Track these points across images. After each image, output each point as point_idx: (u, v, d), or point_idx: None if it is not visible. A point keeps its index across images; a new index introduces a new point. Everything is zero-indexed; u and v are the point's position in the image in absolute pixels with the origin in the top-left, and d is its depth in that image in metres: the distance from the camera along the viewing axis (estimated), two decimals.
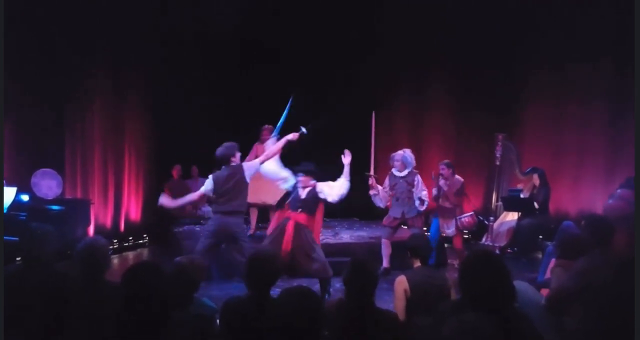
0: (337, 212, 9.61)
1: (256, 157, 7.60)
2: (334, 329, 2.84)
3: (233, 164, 5.67)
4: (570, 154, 8.57)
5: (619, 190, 5.99)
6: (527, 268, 6.92)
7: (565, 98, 8.56)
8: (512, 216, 8.18)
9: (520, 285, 3.53)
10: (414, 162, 7.10)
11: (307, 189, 5.89)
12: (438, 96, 9.69)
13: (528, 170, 8.14)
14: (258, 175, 7.44)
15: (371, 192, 7.16)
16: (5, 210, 6.12)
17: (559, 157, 8.65)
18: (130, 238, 8.80)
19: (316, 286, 6.34)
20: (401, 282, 3.79)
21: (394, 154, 7.17)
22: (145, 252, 8.83)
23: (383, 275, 6.66)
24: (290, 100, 6.74)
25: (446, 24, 9.09)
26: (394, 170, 7.13)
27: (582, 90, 8.35)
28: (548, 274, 4.38)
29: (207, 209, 9.67)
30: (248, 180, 5.68)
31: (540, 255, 7.39)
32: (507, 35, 8.68)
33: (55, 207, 6.84)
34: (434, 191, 7.32)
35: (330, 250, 7.39)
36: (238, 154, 5.75)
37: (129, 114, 8.79)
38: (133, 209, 9.09)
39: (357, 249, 7.46)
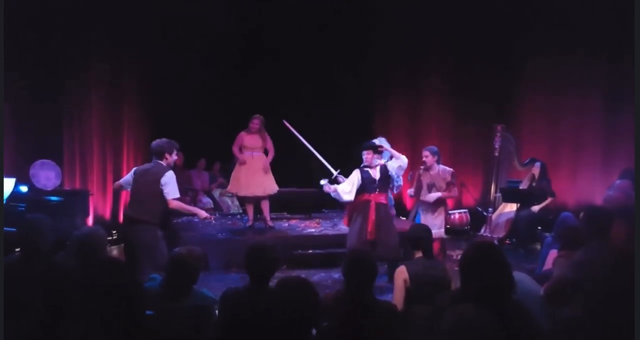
0: (336, 202, 9.64)
1: (241, 147, 7.58)
2: (333, 321, 2.84)
3: (163, 163, 5.06)
4: (568, 144, 8.56)
5: (617, 181, 5.99)
6: (525, 259, 6.94)
7: (562, 88, 8.54)
8: (511, 207, 8.19)
9: (519, 276, 3.54)
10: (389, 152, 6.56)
11: (377, 168, 6.02)
12: (434, 88, 9.66)
13: (527, 161, 8.14)
14: (250, 168, 7.43)
15: (326, 188, 6.26)
16: (4, 201, 6.11)
17: (556, 148, 8.65)
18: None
19: (314, 277, 6.39)
20: (401, 272, 3.80)
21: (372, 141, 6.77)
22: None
23: None
24: (289, 126, 6.71)
25: (442, 14, 9.04)
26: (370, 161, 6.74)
27: (579, 80, 8.33)
28: (547, 265, 4.39)
29: (207, 200, 9.70)
30: (164, 190, 4.92)
31: (538, 247, 7.41)
32: (503, 25, 8.63)
33: (54, 198, 6.83)
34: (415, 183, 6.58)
35: (330, 241, 7.42)
36: (174, 156, 5.16)
37: (127, 103, 8.75)
38: None
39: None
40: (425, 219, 6.26)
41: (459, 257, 7.63)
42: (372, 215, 5.93)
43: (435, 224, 6.17)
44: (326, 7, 9.62)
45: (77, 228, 6.40)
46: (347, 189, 6.10)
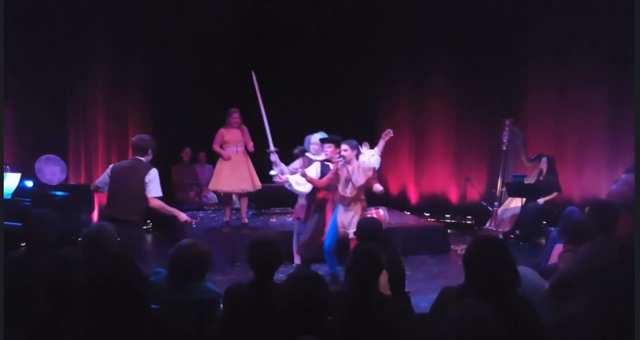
0: None
1: (222, 144, 7.53)
2: (337, 315, 2.84)
3: (144, 159, 4.95)
4: (573, 139, 8.52)
5: (623, 175, 5.97)
6: (530, 253, 6.93)
7: (568, 83, 8.49)
8: (517, 203, 8.17)
9: (524, 270, 3.53)
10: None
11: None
12: (439, 82, 9.63)
13: (534, 156, 8.11)
14: (235, 163, 7.33)
15: (275, 169, 6.21)
16: (9, 196, 6.13)
17: (561, 142, 8.61)
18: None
19: (321, 270, 6.38)
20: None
21: (309, 136, 6.53)
22: (148, 238, 8.84)
23: None
24: (254, 78, 6.34)
25: (446, 9, 9.00)
26: (309, 154, 6.44)
27: (585, 74, 8.28)
28: (552, 260, 4.38)
29: (212, 195, 9.71)
30: (147, 188, 4.80)
31: (543, 241, 7.39)
32: (508, 19, 8.60)
33: (59, 193, 6.85)
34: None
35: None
36: (151, 155, 5.02)
37: (131, 100, 8.78)
38: None
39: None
40: (342, 216, 5.80)
41: (463, 251, 7.63)
42: (330, 215, 5.76)
43: (352, 223, 5.64)
44: (328, 4, 9.60)
45: (82, 222, 6.45)
46: (301, 180, 5.86)
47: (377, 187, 5.83)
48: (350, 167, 5.71)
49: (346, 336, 2.70)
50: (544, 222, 7.89)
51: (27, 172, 6.76)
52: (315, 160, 6.17)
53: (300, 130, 6.82)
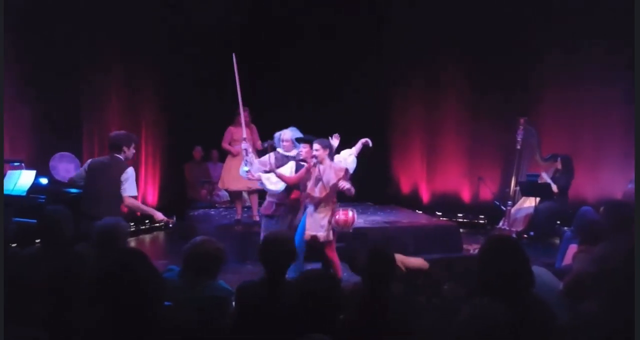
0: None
1: (231, 142, 7.50)
2: (350, 314, 2.84)
3: (121, 157, 4.84)
4: (589, 137, 8.44)
5: None
6: (544, 253, 6.87)
7: (583, 80, 8.41)
8: (530, 202, 8.11)
9: (538, 270, 3.50)
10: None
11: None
12: (452, 80, 9.57)
13: (549, 156, 8.05)
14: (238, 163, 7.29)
15: (246, 158, 5.98)
16: (24, 193, 6.19)
17: (576, 140, 8.54)
18: (147, 221, 8.88)
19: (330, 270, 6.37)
20: None
21: (280, 132, 6.32)
22: (161, 235, 8.91)
23: None
24: (234, 61, 6.07)
25: (459, 7, 8.95)
26: (280, 150, 6.20)
27: (601, 72, 8.19)
28: (566, 260, 4.35)
29: (223, 193, 9.75)
30: (122, 186, 4.73)
31: (557, 241, 7.34)
32: (523, 16, 8.53)
33: (73, 190, 6.89)
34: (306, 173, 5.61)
35: (346, 234, 7.40)
36: (132, 150, 4.92)
37: (144, 98, 8.83)
38: (150, 193, 9.15)
39: (372, 233, 7.39)
40: (311, 217, 5.51)
41: (476, 251, 7.56)
42: (301, 216, 5.64)
43: (322, 226, 5.41)
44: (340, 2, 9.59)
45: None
46: (273, 178, 5.69)
47: (343, 185, 5.41)
48: (322, 167, 5.50)
49: (358, 335, 2.69)
50: (558, 222, 7.82)
51: (42, 170, 6.81)
52: (290, 159, 5.99)
53: (316, 132, 6.77)
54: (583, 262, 3.69)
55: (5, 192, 6.26)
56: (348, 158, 6.11)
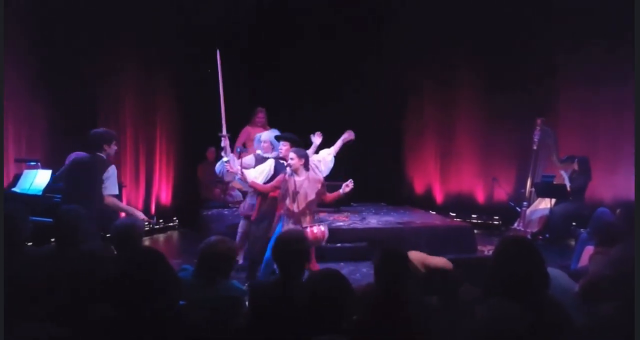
0: (364, 196, 9.60)
1: (246, 141, 7.50)
2: (362, 314, 2.83)
3: (102, 155, 4.81)
4: (606, 138, 8.35)
5: None
6: (559, 255, 6.82)
7: (601, 80, 8.32)
8: (546, 204, 8.04)
9: (554, 272, 3.47)
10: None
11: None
12: (467, 80, 9.52)
13: (566, 157, 7.98)
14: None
15: (222, 153, 5.86)
16: (40, 193, 6.24)
17: (593, 141, 8.45)
18: (161, 221, 8.94)
19: (342, 271, 6.37)
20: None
21: (259, 134, 6.29)
22: (175, 234, 8.96)
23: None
24: (218, 57, 5.97)
25: (475, 6, 8.90)
26: (259, 151, 6.12)
27: (618, 72, 8.10)
28: (582, 262, 4.31)
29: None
30: (104, 184, 4.66)
31: (573, 243, 7.27)
32: (539, 14, 8.46)
33: None
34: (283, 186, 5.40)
35: (358, 235, 7.41)
36: (114, 147, 4.89)
37: (159, 99, 8.87)
38: (164, 193, 9.21)
39: (384, 234, 7.37)
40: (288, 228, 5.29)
41: (490, 252, 7.50)
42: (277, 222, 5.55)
43: None
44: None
45: (111, 219, 6.53)
46: (252, 174, 5.58)
47: (345, 190, 5.26)
48: (298, 178, 5.31)
49: (372, 336, 2.68)
50: (574, 224, 7.75)
51: (58, 170, 6.87)
52: (269, 158, 5.89)
53: (327, 133, 6.78)
54: (599, 264, 3.66)
55: (21, 191, 6.32)
56: (327, 157, 6.08)
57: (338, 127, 6.67)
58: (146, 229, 5.43)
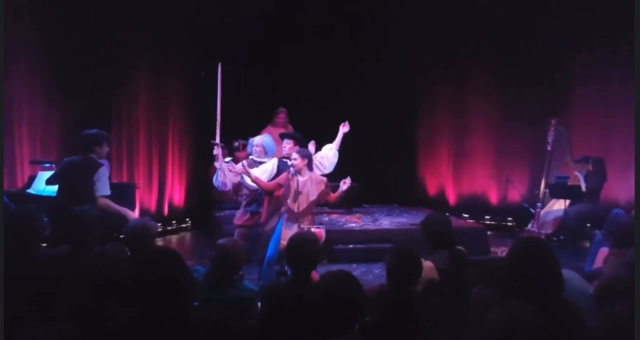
0: (377, 197, 9.57)
1: None
2: (375, 315, 2.83)
3: (94, 156, 4.84)
4: (621, 139, 8.25)
5: None
6: (573, 257, 6.76)
7: (615, 80, 8.23)
8: (560, 205, 7.97)
9: (568, 274, 3.44)
10: (275, 149, 6.15)
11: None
12: (480, 80, 9.45)
13: (580, 158, 7.91)
14: None
15: (216, 164, 5.82)
16: (55, 194, 6.29)
17: (608, 141, 8.36)
18: (174, 222, 8.97)
19: (355, 272, 6.36)
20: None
21: (252, 138, 6.22)
22: (187, 235, 8.99)
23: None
24: (219, 70, 5.97)
25: (490, 4, 8.85)
26: (253, 156, 6.07)
27: (633, 70, 8.00)
28: (597, 263, 4.27)
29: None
30: (95, 186, 4.70)
31: (587, 244, 7.21)
32: (553, 13, 8.38)
33: None
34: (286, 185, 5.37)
35: (370, 236, 7.40)
36: (105, 148, 4.93)
37: (171, 99, 8.90)
38: (177, 194, 9.24)
39: (396, 235, 7.34)
40: (288, 229, 5.27)
41: (504, 253, 7.45)
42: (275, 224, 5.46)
43: None
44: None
45: (124, 220, 6.57)
46: (254, 174, 5.52)
47: (343, 188, 5.30)
48: (301, 178, 5.29)
49: (384, 337, 2.68)
50: (588, 225, 7.68)
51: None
52: (262, 162, 5.88)
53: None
54: (614, 265, 3.62)
55: (36, 192, 6.38)
56: (329, 153, 6.02)
57: (350, 126, 6.64)
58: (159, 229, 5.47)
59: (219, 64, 5.98)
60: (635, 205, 4.01)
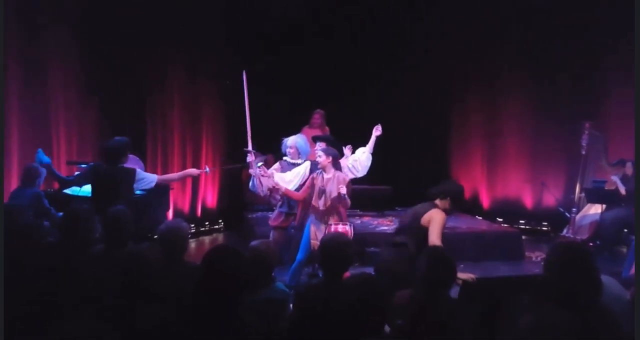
0: (409, 201, 9.48)
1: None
2: (407, 319, 2.81)
3: (123, 165, 5.06)
4: None
5: None
6: (610, 262, 6.61)
7: None
8: (596, 209, 7.80)
9: (606, 279, 3.37)
10: (309, 150, 6.09)
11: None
12: (513, 83, 9.31)
13: (616, 161, 7.73)
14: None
15: (250, 171, 5.86)
16: (90, 194, 6.43)
17: None
18: (207, 223, 9.08)
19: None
20: None
21: (286, 139, 6.14)
22: (220, 237, 9.08)
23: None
24: (244, 78, 5.99)
25: (524, 6, 8.73)
26: (287, 158, 6.05)
27: None
28: (634, 269, 4.17)
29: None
30: (145, 185, 5.05)
31: (624, 250, 7.04)
32: (588, 12, 8.22)
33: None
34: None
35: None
36: (129, 155, 5.20)
37: (205, 101, 9.02)
38: (210, 196, 9.35)
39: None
40: (316, 227, 5.34)
41: (538, 258, 7.34)
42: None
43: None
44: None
45: (159, 221, 6.68)
46: (287, 177, 5.58)
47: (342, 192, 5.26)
48: (326, 176, 5.35)
49: None
50: (625, 230, 7.50)
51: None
52: (296, 164, 5.86)
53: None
54: None
55: (73, 193, 6.52)
56: (362, 156, 6.01)
57: (383, 129, 6.62)
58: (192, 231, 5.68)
59: (244, 71, 6.04)
60: (635, 205, 3.90)
